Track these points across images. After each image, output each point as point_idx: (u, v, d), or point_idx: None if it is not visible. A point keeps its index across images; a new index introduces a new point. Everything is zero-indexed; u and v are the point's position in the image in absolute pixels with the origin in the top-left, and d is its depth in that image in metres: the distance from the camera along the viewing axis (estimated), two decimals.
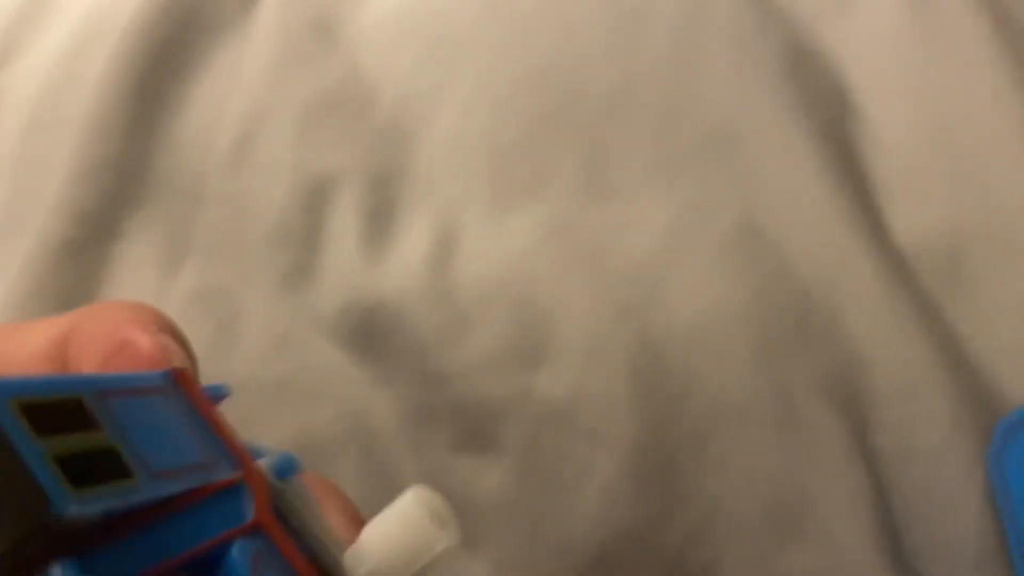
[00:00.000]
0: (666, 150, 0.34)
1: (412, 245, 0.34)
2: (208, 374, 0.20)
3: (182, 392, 0.16)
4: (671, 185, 0.33)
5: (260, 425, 0.32)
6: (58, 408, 0.13)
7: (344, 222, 0.34)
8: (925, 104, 0.34)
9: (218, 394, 0.18)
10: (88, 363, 0.19)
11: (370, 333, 0.32)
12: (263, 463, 0.16)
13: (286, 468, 0.16)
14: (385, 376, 0.31)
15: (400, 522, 0.14)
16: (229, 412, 0.19)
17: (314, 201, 0.35)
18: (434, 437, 0.30)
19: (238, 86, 0.37)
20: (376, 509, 0.27)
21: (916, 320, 0.30)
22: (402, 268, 0.33)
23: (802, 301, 0.30)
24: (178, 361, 0.19)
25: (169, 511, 0.14)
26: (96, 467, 0.12)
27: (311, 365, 0.33)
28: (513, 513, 0.29)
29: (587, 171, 0.34)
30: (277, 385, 0.31)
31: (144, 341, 0.19)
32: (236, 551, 0.14)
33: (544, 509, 0.29)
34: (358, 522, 0.19)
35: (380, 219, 0.34)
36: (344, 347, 0.32)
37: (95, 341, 0.20)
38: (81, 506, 0.12)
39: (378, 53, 0.36)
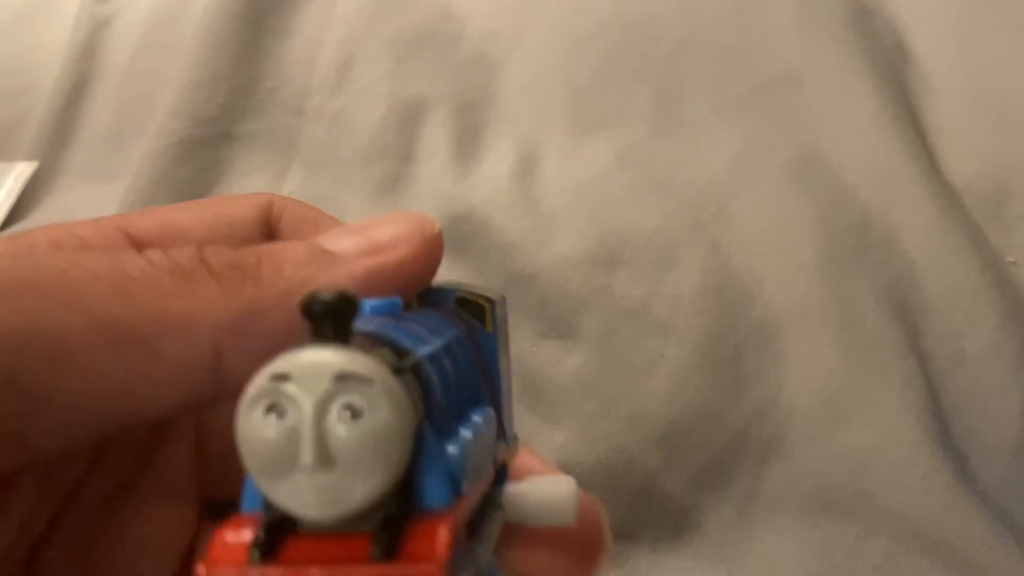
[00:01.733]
0: (732, 89, 0.37)
1: (497, 162, 0.37)
2: None
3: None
4: (737, 120, 0.37)
5: None
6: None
7: (435, 140, 0.38)
8: (976, 56, 0.37)
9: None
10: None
11: (460, 236, 0.35)
12: None
13: None
14: (473, 273, 0.34)
15: (561, 493, 0.17)
16: None
17: (407, 122, 0.38)
18: (518, 327, 0.33)
19: (336, 18, 0.41)
20: None
21: (965, 242, 0.33)
22: (489, 181, 0.36)
23: (861, 221, 0.33)
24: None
25: None
26: None
27: None
28: (590, 392, 0.31)
29: (658, 106, 0.37)
30: None
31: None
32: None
33: (619, 389, 0.31)
34: None
35: (467, 140, 0.38)
36: None
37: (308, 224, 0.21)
38: None
39: None
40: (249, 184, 0.36)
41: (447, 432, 0.15)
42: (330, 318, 0.14)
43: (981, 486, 0.29)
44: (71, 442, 0.15)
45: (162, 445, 0.19)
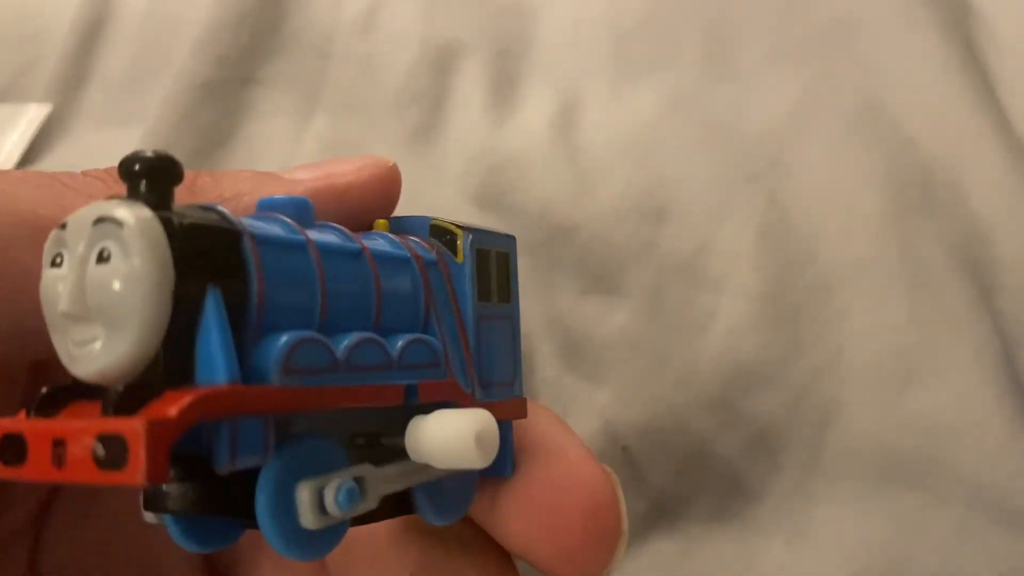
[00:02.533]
0: (789, 35, 0.35)
1: (536, 110, 0.35)
2: None
3: None
4: (794, 67, 0.34)
5: None
6: None
7: (470, 88, 0.35)
8: None
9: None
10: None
11: (496, 188, 0.33)
12: None
13: None
14: (511, 225, 0.32)
15: (454, 429, 0.15)
16: None
17: (440, 68, 0.36)
18: (560, 281, 0.31)
19: None
20: None
21: None
22: (527, 130, 0.34)
23: (926, 174, 0.31)
24: None
25: None
26: None
27: (437, 214, 0.34)
28: (637, 349, 0.29)
29: (709, 52, 0.35)
30: None
31: None
32: None
33: (668, 347, 0.29)
34: None
35: (504, 87, 0.35)
36: (470, 199, 0.33)
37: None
38: None
39: None
40: (272, 128, 0.34)
41: (288, 328, 0.13)
42: (143, 176, 0.13)
43: None
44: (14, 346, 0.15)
45: None
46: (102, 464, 0.11)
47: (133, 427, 0.11)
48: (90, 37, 0.38)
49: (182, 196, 0.13)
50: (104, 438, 0.11)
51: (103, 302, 0.12)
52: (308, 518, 0.13)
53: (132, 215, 0.12)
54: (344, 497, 0.14)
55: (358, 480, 0.14)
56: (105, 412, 0.12)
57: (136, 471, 0.11)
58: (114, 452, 0.11)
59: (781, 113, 0.33)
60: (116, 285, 0.12)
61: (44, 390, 0.13)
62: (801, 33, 0.35)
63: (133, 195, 0.13)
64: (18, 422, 0.12)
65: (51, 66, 0.37)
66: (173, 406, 0.12)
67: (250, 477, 0.13)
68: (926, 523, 0.26)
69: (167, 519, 0.14)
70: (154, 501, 0.14)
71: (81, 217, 0.13)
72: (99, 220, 0.13)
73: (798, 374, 0.28)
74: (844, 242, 0.30)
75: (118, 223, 0.12)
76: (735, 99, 0.34)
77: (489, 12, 0.37)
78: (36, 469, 0.12)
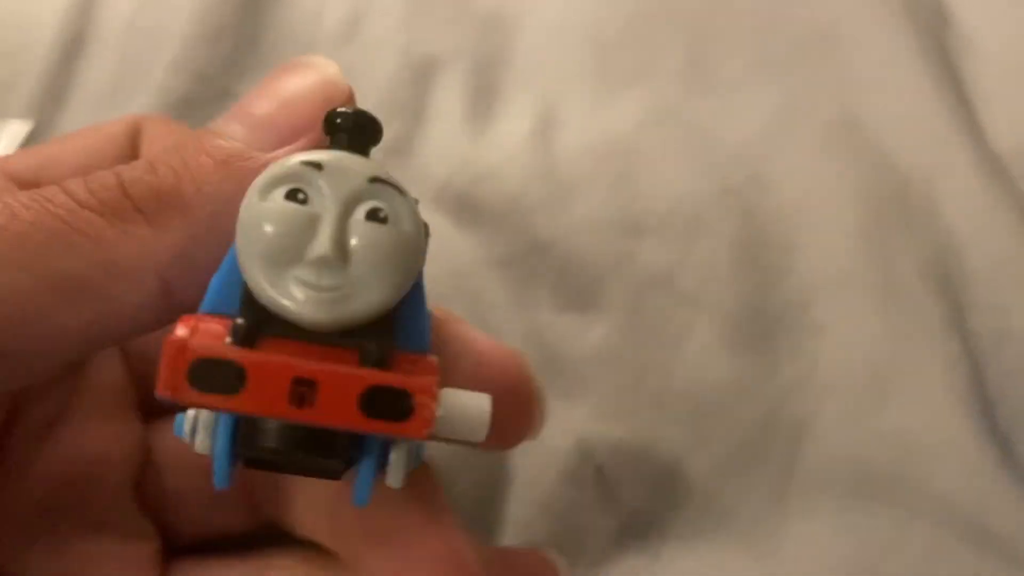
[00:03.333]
0: (768, 47, 0.35)
1: (516, 122, 0.35)
2: None
3: None
4: (773, 79, 0.34)
5: None
6: None
7: (449, 99, 0.35)
8: (1019, 19, 0.35)
9: None
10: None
11: (474, 200, 0.33)
12: None
13: None
14: (489, 240, 0.32)
15: (473, 406, 0.15)
16: None
17: (419, 80, 0.36)
18: (537, 296, 0.31)
19: None
20: None
21: (1010, 213, 0.31)
22: (506, 142, 0.34)
23: (902, 188, 0.31)
24: None
25: None
26: None
27: None
28: (613, 366, 0.29)
29: (689, 64, 0.35)
30: None
31: None
32: None
33: (644, 364, 0.29)
34: None
35: (484, 99, 0.35)
36: (448, 213, 0.33)
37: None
38: None
39: None
40: None
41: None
42: (355, 133, 0.14)
43: None
44: (29, 382, 0.17)
45: (90, 364, 0.20)
46: (378, 413, 0.13)
47: (425, 386, 0.13)
48: (72, 53, 0.38)
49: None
50: (389, 391, 0.13)
51: (371, 257, 0.13)
52: (396, 478, 0.14)
53: (405, 189, 0.13)
54: (415, 460, 0.15)
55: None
56: (365, 363, 0.13)
57: (421, 425, 0.13)
58: (397, 405, 0.13)
59: (759, 126, 0.33)
60: (390, 246, 0.13)
61: (240, 322, 0.13)
62: (781, 45, 0.35)
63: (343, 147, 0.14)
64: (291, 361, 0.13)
65: (32, 82, 0.37)
66: (431, 374, 0.13)
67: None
68: (898, 540, 0.26)
69: (221, 453, 0.15)
70: (253, 437, 0.14)
71: (347, 167, 0.14)
72: (375, 180, 0.13)
73: (772, 390, 0.28)
74: (819, 257, 0.30)
75: (399, 191, 0.14)
76: (714, 112, 0.34)
77: (470, 23, 0.37)
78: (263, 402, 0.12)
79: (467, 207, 0.33)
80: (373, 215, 0.13)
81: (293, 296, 0.13)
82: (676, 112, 0.34)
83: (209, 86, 0.35)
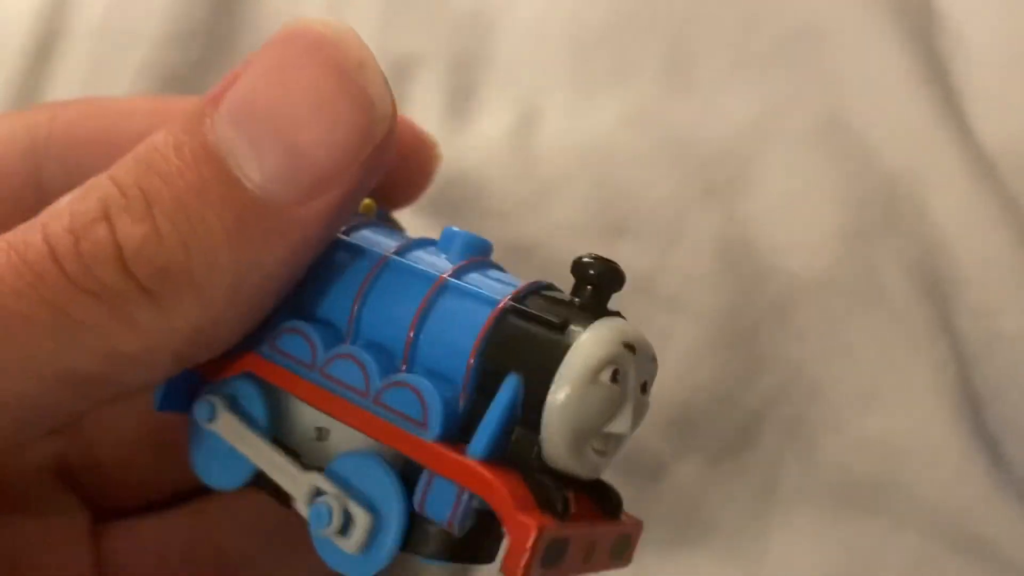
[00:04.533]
0: (751, 47, 0.34)
1: (494, 122, 0.34)
2: None
3: None
4: (756, 79, 0.34)
5: None
6: None
7: (427, 99, 0.35)
8: (1007, 16, 0.34)
9: None
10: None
11: (452, 202, 0.32)
12: None
13: None
14: None
15: None
16: None
17: (397, 80, 0.35)
18: None
19: None
20: None
21: (999, 212, 0.30)
22: (484, 142, 0.33)
23: (888, 189, 0.31)
24: None
25: None
26: None
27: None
28: None
29: (670, 63, 0.34)
30: None
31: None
32: None
33: None
34: None
35: (462, 98, 0.35)
36: (426, 214, 0.32)
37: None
38: None
39: None
40: None
41: None
42: (606, 288, 0.15)
43: (1016, 475, 0.27)
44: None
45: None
46: (614, 556, 0.15)
47: (637, 527, 0.16)
48: (43, 54, 0.37)
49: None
50: (623, 538, 0.15)
51: (637, 424, 0.15)
52: None
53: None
54: None
55: None
56: (610, 515, 0.15)
57: (629, 559, 0.16)
58: (622, 546, 0.16)
59: (741, 126, 0.32)
60: (644, 416, 0.15)
61: (563, 496, 0.14)
62: (763, 45, 0.34)
63: (603, 305, 0.15)
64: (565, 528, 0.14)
65: (2, 84, 0.36)
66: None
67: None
68: (884, 550, 0.25)
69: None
70: (415, 541, 0.15)
71: (646, 348, 0.15)
72: (653, 359, 0.15)
73: (756, 395, 0.28)
74: (803, 259, 0.29)
75: (656, 363, 0.16)
76: (695, 112, 0.33)
77: (447, 22, 0.36)
78: (572, 566, 0.14)
79: (445, 208, 0.32)
80: (644, 388, 0.15)
81: (590, 464, 0.15)
82: (657, 112, 0.33)
83: (181, 88, 0.35)
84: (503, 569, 0.13)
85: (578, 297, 0.15)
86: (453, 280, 0.16)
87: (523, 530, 0.13)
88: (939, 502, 0.26)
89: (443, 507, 0.14)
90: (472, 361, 0.15)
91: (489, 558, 0.16)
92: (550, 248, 0.31)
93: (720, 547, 0.26)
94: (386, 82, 0.14)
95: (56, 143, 0.19)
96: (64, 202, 0.14)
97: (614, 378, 0.14)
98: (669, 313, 0.29)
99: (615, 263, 0.15)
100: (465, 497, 0.14)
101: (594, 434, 0.14)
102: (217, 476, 0.17)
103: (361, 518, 0.15)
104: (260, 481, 0.17)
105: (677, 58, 0.34)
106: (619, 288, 0.16)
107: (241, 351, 0.16)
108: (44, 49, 0.37)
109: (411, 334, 0.15)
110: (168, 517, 0.20)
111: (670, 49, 0.34)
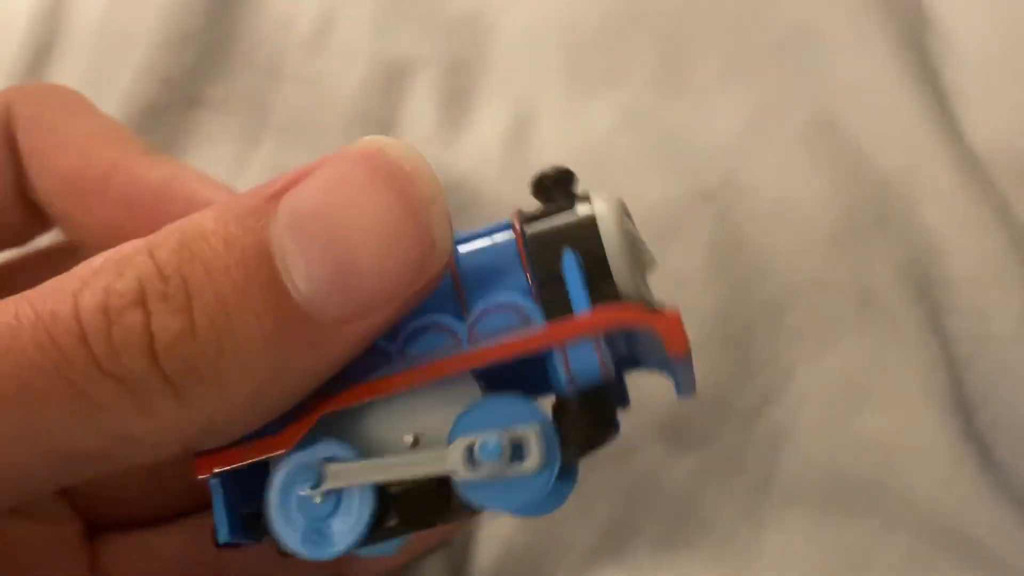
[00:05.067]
0: (743, 49, 0.35)
1: (489, 128, 0.34)
2: None
3: None
4: (748, 81, 0.34)
5: None
6: None
7: (420, 106, 0.35)
8: (1000, 21, 0.35)
9: None
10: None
11: (449, 207, 0.32)
12: None
13: None
14: None
15: None
16: None
17: (391, 86, 0.35)
18: None
19: None
20: None
21: (990, 214, 0.30)
22: (479, 148, 0.34)
23: (880, 190, 0.31)
24: None
25: None
26: None
27: None
28: None
29: (664, 66, 0.35)
30: None
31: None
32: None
33: None
34: None
35: (456, 104, 0.35)
36: None
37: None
38: None
39: None
40: (218, 153, 0.33)
41: None
42: (570, 182, 0.19)
43: (1007, 476, 0.27)
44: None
45: None
46: None
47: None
48: (39, 58, 0.37)
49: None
50: None
51: None
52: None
53: None
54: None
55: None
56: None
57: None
58: None
59: (734, 128, 0.33)
60: None
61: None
62: (756, 47, 0.34)
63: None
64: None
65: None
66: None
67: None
68: (875, 551, 0.26)
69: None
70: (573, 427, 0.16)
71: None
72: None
73: (749, 397, 0.28)
74: (795, 261, 0.30)
75: None
76: (688, 114, 0.33)
77: (442, 26, 0.36)
78: None
79: None
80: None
81: (647, 288, 0.18)
82: (650, 115, 0.33)
83: (176, 93, 0.35)
84: (674, 353, 0.15)
85: (553, 200, 0.18)
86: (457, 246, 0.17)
87: (673, 319, 0.15)
88: (930, 502, 0.26)
89: (589, 364, 0.16)
90: (527, 275, 0.16)
91: (624, 402, 0.20)
92: None
93: (714, 547, 0.26)
94: (449, 221, 0.15)
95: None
96: (98, 267, 0.14)
97: (629, 218, 0.17)
98: None
99: (561, 165, 0.18)
100: (602, 344, 0.16)
101: (639, 263, 0.17)
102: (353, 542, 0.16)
103: (526, 432, 0.15)
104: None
105: (670, 61, 0.34)
106: (573, 180, 0.18)
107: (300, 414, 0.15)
108: (41, 52, 0.37)
109: (460, 290, 0.16)
110: (166, 531, 0.21)
111: (663, 52, 0.35)
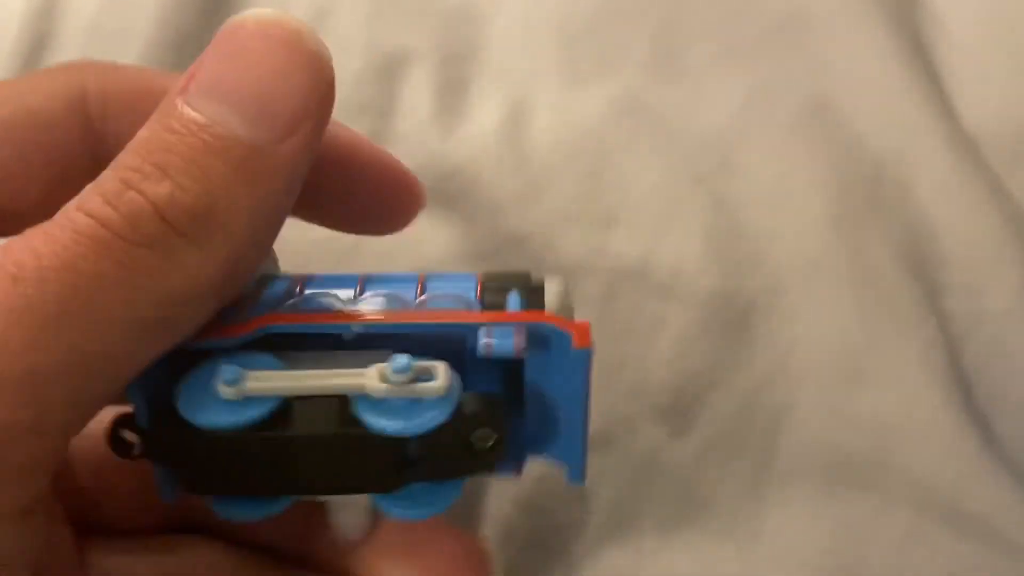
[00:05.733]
0: (737, 33, 0.35)
1: (485, 116, 0.34)
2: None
3: None
4: (742, 66, 0.34)
5: None
6: None
7: (417, 94, 0.35)
8: (993, 1, 0.35)
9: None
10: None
11: (446, 196, 0.33)
12: None
13: None
14: (462, 235, 0.32)
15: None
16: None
17: (387, 75, 0.35)
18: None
19: None
20: None
21: (984, 193, 0.31)
22: (476, 136, 0.34)
23: (875, 171, 0.31)
24: None
25: None
26: None
27: None
28: None
29: (657, 52, 0.35)
30: (352, 245, 0.31)
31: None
32: None
33: (619, 356, 0.29)
34: None
35: (453, 93, 0.35)
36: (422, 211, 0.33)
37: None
38: None
39: None
40: None
41: None
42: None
43: (1006, 451, 0.27)
44: None
45: None
46: None
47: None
48: (34, 57, 0.37)
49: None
50: None
51: None
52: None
53: None
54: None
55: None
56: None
57: None
58: None
59: (729, 113, 0.33)
60: None
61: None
62: (750, 31, 0.35)
63: None
64: None
65: None
66: None
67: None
68: (876, 526, 0.26)
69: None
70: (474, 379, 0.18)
71: None
72: None
73: (748, 378, 0.28)
74: (792, 243, 0.30)
75: None
76: (683, 100, 0.34)
77: (437, 16, 0.37)
78: None
79: (439, 203, 0.33)
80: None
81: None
82: (645, 102, 0.33)
83: None
84: (580, 344, 0.18)
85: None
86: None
87: (582, 325, 0.18)
88: (930, 478, 0.26)
89: (507, 341, 0.17)
90: (478, 295, 0.19)
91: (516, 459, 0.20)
92: (543, 239, 0.31)
93: (717, 526, 0.27)
94: (319, 39, 0.17)
95: (107, 91, 0.21)
96: (84, 191, 0.16)
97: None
98: (661, 300, 0.30)
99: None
100: (523, 329, 0.17)
101: None
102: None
103: (435, 364, 0.17)
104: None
105: (665, 47, 0.35)
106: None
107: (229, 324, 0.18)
108: (35, 51, 0.37)
109: (419, 286, 0.19)
110: (154, 541, 0.21)
111: (657, 38, 0.35)
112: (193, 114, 0.16)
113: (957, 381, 0.28)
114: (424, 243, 0.32)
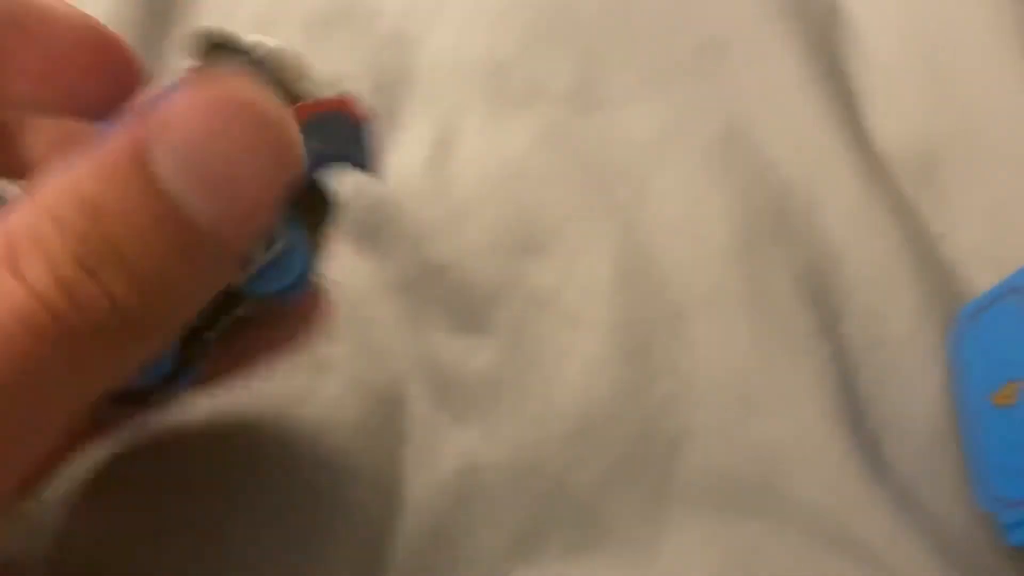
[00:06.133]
0: (659, 61, 0.36)
1: (412, 145, 0.35)
2: None
3: None
4: (662, 94, 0.35)
5: None
6: None
7: None
8: (911, 20, 0.35)
9: None
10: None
11: (371, 226, 0.34)
12: None
13: None
14: (383, 265, 0.33)
15: None
16: None
17: None
18: (430, 321, 0.32)
19: None
20: (370, 388, 0.29)
21: (890, 218, 0.31)
22: (403, 166, 0.35)
23: (782, 199, 0.32)
24: None
25: None
26: None
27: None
28: (500, 389, 0.30)
29: (580, 82, 0.36)
30: None
31: None
32: None
33: (528, 385, 0.30)
34: None
35: (382, 121, 0.36)
36: (347, 240, 0.34)
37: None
38: None
39: None
40: None
41: None
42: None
43: (895, 475, 0.29)
44: None
45: None
46: None
47: None
48: None
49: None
50: None
51: None
52: None
53: None
54: None
55: None
56: None
57: None
58: None
59: (645, 142, 0.34)
60: None
61: None
62: (671, 59, 0.35)
63: None
64: None
65: None
66: None
67: None
68: (767, 550, 0.27)
69: None
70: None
71: None
72: None
73: (648, 406, 0.29)
74: (695, 272, 0.31)
75: None
76: (603, 129, 0.35)
77: (370, 46, 0.38)
78: None
79: (365, 231, 0.34)
80: None
81: None
82: (565, 133, 0.34)
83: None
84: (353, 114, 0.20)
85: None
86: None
87: (349, 96, 0.21)
88: (818, 503, 0.28)
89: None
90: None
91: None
92: (463, 267, 0.32)
93: (616, 551, 0.28)
94: (294, 125, 0.18)
95: None
96: (25, 245, 0.16)
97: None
98: (570, 329, 0.31)
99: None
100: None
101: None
102: None
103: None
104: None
105: (587, 77, 0.36)
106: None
107: None
108: None
109: None
110: None
111: (581, 68, 0.36)
112: (161, 186, 0.16)
113: (849, 407, 0.29)
114: (349, 273, 0.33)
